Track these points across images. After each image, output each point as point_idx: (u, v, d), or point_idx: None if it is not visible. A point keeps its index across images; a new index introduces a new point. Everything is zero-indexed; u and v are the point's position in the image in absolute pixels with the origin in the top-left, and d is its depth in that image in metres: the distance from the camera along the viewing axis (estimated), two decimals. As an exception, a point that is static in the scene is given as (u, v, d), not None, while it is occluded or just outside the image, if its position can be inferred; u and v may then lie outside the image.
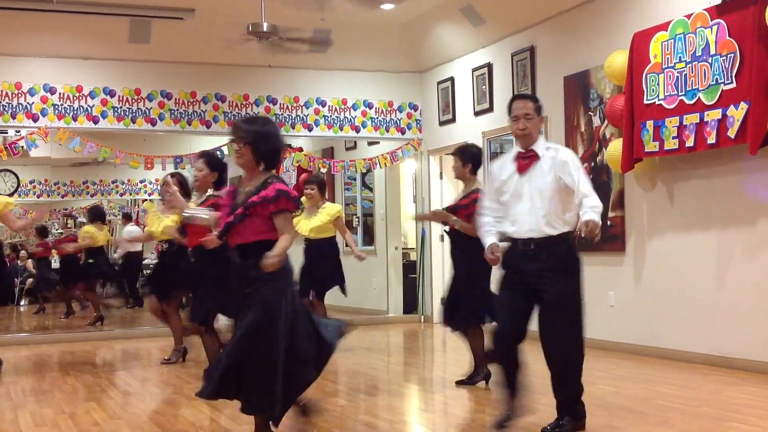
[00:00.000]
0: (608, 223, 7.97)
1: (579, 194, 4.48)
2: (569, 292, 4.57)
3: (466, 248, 6.08)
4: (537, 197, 4.54)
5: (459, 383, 6.27)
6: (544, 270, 4.51)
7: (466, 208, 6.05)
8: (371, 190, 12.81)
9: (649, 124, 7.12)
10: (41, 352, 9.02)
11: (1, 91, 9.72)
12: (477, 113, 10.20)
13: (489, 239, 4.67)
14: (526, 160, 4.65)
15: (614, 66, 7.54)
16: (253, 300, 4.04)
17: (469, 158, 6.23)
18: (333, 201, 13.21)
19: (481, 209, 4.85)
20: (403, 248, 12.19)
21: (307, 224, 8.08)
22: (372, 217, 12.69)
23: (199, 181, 6.19)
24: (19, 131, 10.17)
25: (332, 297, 8.66)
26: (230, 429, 4.99)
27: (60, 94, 9.95)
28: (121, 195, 16.61)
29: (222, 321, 6.33)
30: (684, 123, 6.81)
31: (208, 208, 5.36)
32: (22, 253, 14.70)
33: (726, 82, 6.46)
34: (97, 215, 11.33)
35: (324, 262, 8.19)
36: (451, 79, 10.73)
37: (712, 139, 6.55)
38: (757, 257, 6.53)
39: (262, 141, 4.13)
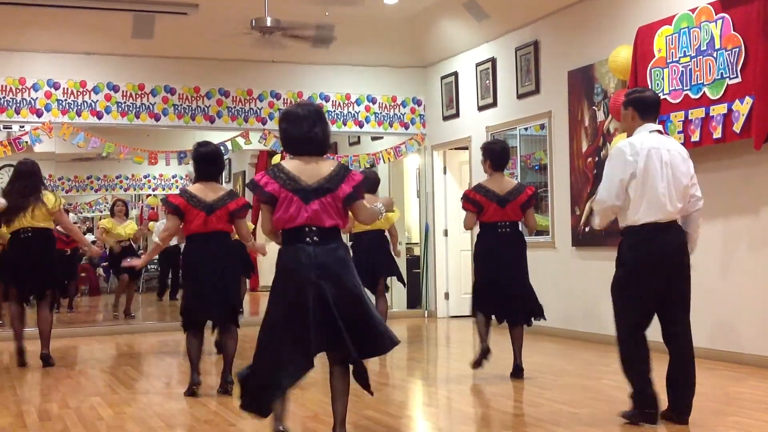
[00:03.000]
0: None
1: None
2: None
3: (522, 243, 6.35)
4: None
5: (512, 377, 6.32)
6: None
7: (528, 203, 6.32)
8: (375, 185, 12.79)
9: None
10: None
11: (5, 86, 9.73)
12: (481, 108, 10.18)
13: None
14: None
15: (618, 60, 7.52)
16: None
17: (486, 155, 6.37)
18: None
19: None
20: (407, 243, 12.19)
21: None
22: (376, 212, 12.66)
23: None
24: (23, 126, 10.18)
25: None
26: (234, 423, 5.00)
27: (64, 89, 9.96)
28: (125, 190, 16.63)
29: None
30: (689, 117, 6.80)
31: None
32: None
33: (731, 76, 6.44)
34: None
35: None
36: (455, 74, 10.71)
37: (717, 134, 6.54)
38: (762, 252, 6.52)
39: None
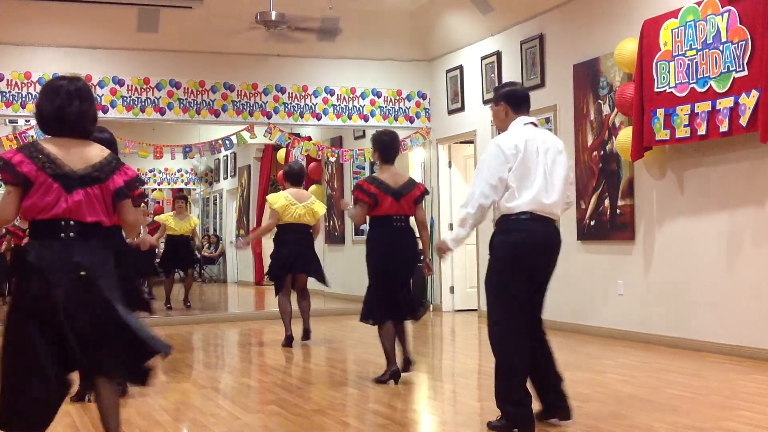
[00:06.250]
0: (618, 211, 7.94)
1: None
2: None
3: (415, 238, 6.26)
4: None
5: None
6: None
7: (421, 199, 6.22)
8: (380, 179, 12.79)
9: (660, 112, 7.09)
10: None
11: (11, 80, 9.74)
12: (486, 102, 10.16)
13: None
14: None
15: (624, 54, 7.50)
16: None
17: (376, 146, 6.16)
18: (342, 190, 13.24)
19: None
20: (412, 237, 12.16)
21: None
22: (381, 206, 12.68)
23: None
24: (28, 121, 10.20)
25: (341, 287, 8.68)
26: (239, 417, 5.01)
27: (69, 83, 9.94)
28: (130, 185, 16.66)
29: None
30: (696, 111, 6.78)
31: None
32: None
33: (737, 69, 6.42)
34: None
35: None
36: (460, 68, 10.70)
37: (724, 127, 6.52)
38: (767, 246, 6.51)
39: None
